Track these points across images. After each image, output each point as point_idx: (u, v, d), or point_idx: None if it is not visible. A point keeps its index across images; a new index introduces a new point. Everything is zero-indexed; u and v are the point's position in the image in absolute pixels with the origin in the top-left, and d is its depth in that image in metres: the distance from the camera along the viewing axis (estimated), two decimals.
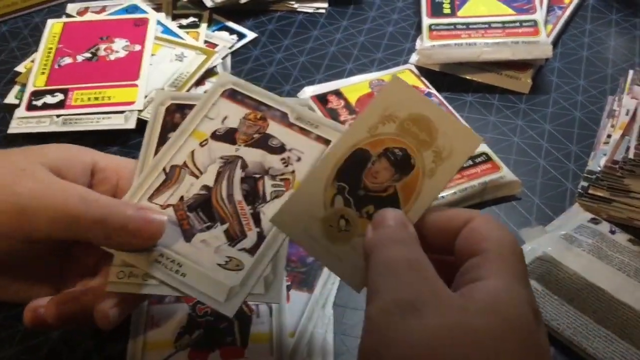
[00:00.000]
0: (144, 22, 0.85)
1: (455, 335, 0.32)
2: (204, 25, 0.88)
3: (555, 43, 0.83)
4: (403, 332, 0.33)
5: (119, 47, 0.81)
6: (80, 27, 0.85)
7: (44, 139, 0.73)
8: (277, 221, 0.42)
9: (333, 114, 0.73)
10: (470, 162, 0.66)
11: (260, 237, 0.46)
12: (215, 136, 0.49)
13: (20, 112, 0.73)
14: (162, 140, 0.49)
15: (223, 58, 0.83)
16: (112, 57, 0.80)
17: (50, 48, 0.81)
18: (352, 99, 0.75)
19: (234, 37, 0.87)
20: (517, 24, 0.79)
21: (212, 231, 0.47)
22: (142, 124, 0.73)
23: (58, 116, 0.73)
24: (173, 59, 0.81)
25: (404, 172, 0.41)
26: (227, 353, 0.53)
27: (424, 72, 0.79)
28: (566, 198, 0.66)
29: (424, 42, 0.79)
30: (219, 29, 0.88)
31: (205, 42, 0.85)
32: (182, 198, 0.48)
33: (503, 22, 0.79)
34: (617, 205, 0.62)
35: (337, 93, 0.76)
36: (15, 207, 0.42)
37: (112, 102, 0.74)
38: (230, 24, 0.89)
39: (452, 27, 0.80)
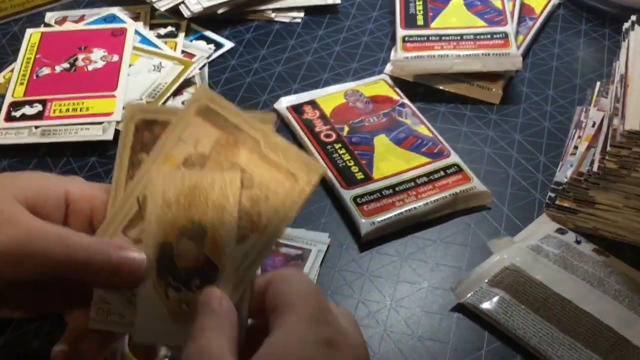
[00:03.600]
0: (122, 32, 0.86)
1: None
2: (181, 35, 0.89)
3: (525, 53, 0.85)
4: None
5: (97, 58, 0.82)
6: (59, 37, 0.86)
7: (22, 150, 0.74)
8: (142, 337, 0.44)
9: (309, 125, 0.74)
10: (442, 173, 0.68)
11: (224, 289, 0.44)
12: (186, 163, 0.45)
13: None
14: (132, 162, 0.46)
15: (201, 68, 0.84)
16: (90, 67, 0.81)
17: (29, 58, 0.82)
18: (328, 109, 0.76)
19: (212, 46, 0.88)
20: (488, 36, 0.81)
21: None
22: (119, 135, 0.74)
23: (37, 127, 0.74)
24: (151, 70, 0.82)
25: (200, 239, 0.43)
26: None
27: (398, 82, 0.81)
28: (535, 208, 0.67)
29: (397, 54, 0.81)
30: (197, 39, 0.89)
31: (183, 52, 0.86)
32: None
33: (475, 34, 0.81)
34: (582, 215, 0.64)
35: (313, 103, 0.77)
36: None
37: (91, 112, 0.75)
38: (208, 34, 0.90)
39: (425, 38, 0.81)
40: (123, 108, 0.75)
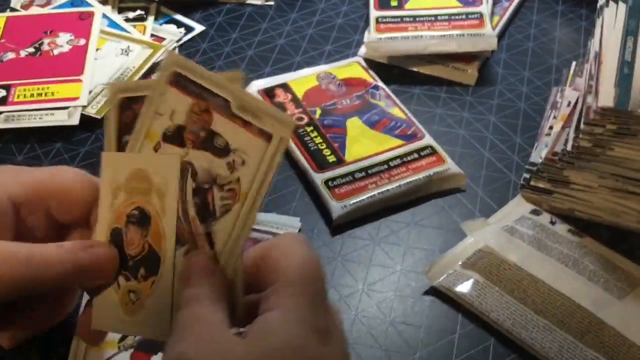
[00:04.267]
0: (89, 15, 0.84)
1: None
2: (151, 19, 0.87)
3: (501, 34, 0.84)
4: None
5: (63, 42, 0.80)
6: (24, 21, 0.84)
7: None
8: (98, 325, 0.44)
9: (280, 108, 0.73)
10: (416, 155, 0.67)
11: (215, 260, 0.41)
12: (165, 138, 0.43)
13: None
14: (119, 146, 0.45)
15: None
16: (56, 51, 0.79)
17: None
18: (300, 92, 0.75)
19: (182, 30, 0.86)
20: (463, 16, 0.79)
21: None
22: (85, 120, 0.72)
23: (0, 113, 0.72)
24: (119, 54, 0.80)
25: (144, 226, 0.42)
26: None
27: (372, 64, 0.80)
28: (509, 190, 0.67)
29: (371, 35, 0.79)
30: (167, 22, 0.87)
31: (152, 35, 0.84)
32: None
33: (449, 15, 0.80)
34: (557, 196, 0.63)
35: (285, 87, 0.76)
36: None
37: (56, 97, 0.73)
38: (178, 17, 0.88)
39: (399, 19, 0.80)
40: (89, 92, 0.74)
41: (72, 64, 0.77)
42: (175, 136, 0.43)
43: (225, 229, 0.40)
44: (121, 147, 0.44)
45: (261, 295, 0.38)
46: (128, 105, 0.45)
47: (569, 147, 0.59)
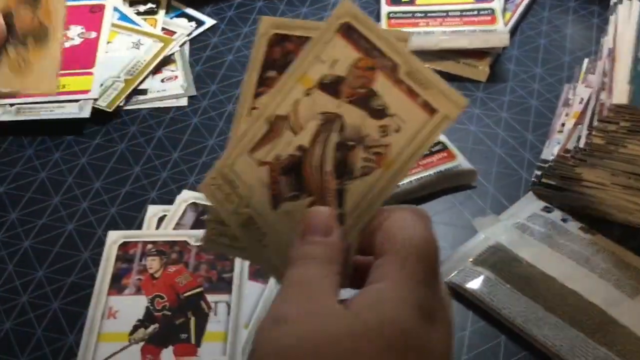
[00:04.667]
0: (100, 9, 0.84)
1: (318, 341, 0.33)
2: (161, 12, 0.87)
3: (513, 31, 0.84)
4: (270, 342, 0.34)
5: (74, 35, 0.80)
6: None
7: None
8: None
9: None
10: (427, 151, 0.67)
11: (340, 219, 0.40)
12: (321, 85, 0.41)
13: None
14: (262, 79, 0.43)
15: (181, 45, 0.82)
16: (67, 44, 0.79)
17: None
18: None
19: (193, 24, 0.86)
20: (475, 12, 0.79)
21: (297, 202, 0.41)
22: (96, 113, 0.72)
23: (11, 105, 0.72)
24: (130, 47, 0.80)
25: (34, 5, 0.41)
26: (180, 350, 0.53)
27: None
28: (521, 187, 0.66)
29: None
30: (177, 16, 0.87)
31: (163, 29, 0.84)
32: (277, 157, 0.42)
33: (461, 11, 0.80)
34: (569, 193, 0.63)
35: None
36: None
37: (67, 90, 0.73)
38: (189, 11, 0.88)
39: (411, 15, 0.80)
40: (100, 85, 0.74)
41: (83, 57, 0.77)
42: (332, 85, 0.41)
43: (360, 190, 0.39)
44: (263, 80, 0.43)
45: (373, 263, 0.36)
46: (278, 41, 0.44)
47: (581, 144, 0.59)
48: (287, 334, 0.33)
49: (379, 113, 0.40)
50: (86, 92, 0.73)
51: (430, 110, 0.38)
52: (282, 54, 0.43)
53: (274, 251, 0.41)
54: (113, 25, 0.83)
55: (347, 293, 0.35)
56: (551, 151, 0.64)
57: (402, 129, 0.39)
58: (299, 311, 0.34)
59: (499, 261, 0.57)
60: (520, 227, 0.60)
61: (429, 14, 0.80)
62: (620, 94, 0.55)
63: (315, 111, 0.41)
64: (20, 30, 0.41)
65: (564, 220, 0.61)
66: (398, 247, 0.36)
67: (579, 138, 0.60)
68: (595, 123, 0.57)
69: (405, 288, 0.35)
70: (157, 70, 0.78)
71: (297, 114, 0.42)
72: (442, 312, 0.35)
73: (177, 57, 0.81)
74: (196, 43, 0.84)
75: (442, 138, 0.68)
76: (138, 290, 0.57)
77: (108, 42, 0.80)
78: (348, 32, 0.41)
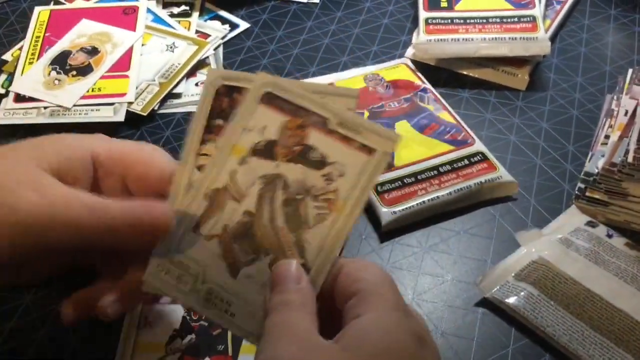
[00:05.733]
0: (133, 10, 0.84)
1: None
2: (195, 14, 0.86)
3: (553, 38, 0.83)
4: None
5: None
6: (68, 15, 0.84)
7: (31, 131, 0.72)
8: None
9: None
10: (466, 162, 0.66)
11: (305, 269, 0.41)
12: (255, 151, 0.44)
13: (8, 103, 0.72)
14: (208, 127, 0.45)
15: (215, 49, 0.82)
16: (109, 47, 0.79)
17: (38, 36, 0.80)
18: None
19: (227, 27, 0.85)
20: (515, 19, 0.78)
21: (257, 264, 0.43)
22: (131, 117, 0.72)
23: (45, 108, 0.72)
24: (164, 49, 0.79)
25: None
26: None
27: (420, 66, 0.79)
28: (563, 199, 0.65)
29: (420, 36, 0.78)
30: (211, 19, 0.87)
31: (197, 31, 0.84)
32: (225, 227, 0.44)
33: (501, 17, 0.78)
34: (614, 208, 0.61)
35: None
36: (17, 227, 0.40)
37: (103, 93, 0.73)
38: (223, 13, 0.88)
39: (449, 21, 0.79)
40: (136, 88, 0.73)
41: (119, 60, 0.77)
42: (266, 150, 0.44)
43: (319, 237, 0.41)
44: (210, 129, 0.45)
45: (344, 306, 0.39)
46: (226, 92, 0.45)
47: (629, 159, 0.58)
48: None
49: (319, 164, 0.43)
50: (122, 95, 0.73)
51: (368, 150, 0.42)
52: (229, 104, 0.45)
53: (244, 316, 0.42)
54: (147, 27, 0.82)
55: None
56: (595, 164, 0.63)
57: (345, 173, 0.42)
58: (290, 351, 0.35)
59: (542, 277, 0.56)
60: (564, 242, 0.59)
61: (468, 20, 0.78)
62: None
63: (255, 176, 0.44)
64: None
65: (609, 235, 0.60)
66: (368, 284, 0.39)
67: (626, 152, 0.59)
68: None
69: (389, 315, 0.37)
70: (191, 73, 0.78)
71: (236, 183, 0.44)
72: (429, 335, 0.39)
73: (211, 60, 0.80)
74: (230, 46, 0.83)
75: (482, 148, 0.67)
76: (174, 300, 0.56)
77: (142, 45, 0.79)
78: (270, 100, 0.44)
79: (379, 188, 0.64)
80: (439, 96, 0.74)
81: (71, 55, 0.77)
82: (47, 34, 0.80)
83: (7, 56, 0.80)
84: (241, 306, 0.42)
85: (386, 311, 0.37)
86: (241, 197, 0.43)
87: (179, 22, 0.85)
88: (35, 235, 0.40)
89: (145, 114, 0.72)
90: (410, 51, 0.81)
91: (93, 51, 0.78)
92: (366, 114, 0.71)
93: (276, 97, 0.44)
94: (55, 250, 0.42)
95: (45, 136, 0.47)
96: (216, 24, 0.86)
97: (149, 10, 0.85)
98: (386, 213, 0.62)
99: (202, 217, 0.44)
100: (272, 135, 0.44)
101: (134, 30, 0.81)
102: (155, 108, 0.74)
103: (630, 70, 0.72)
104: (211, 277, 0.43)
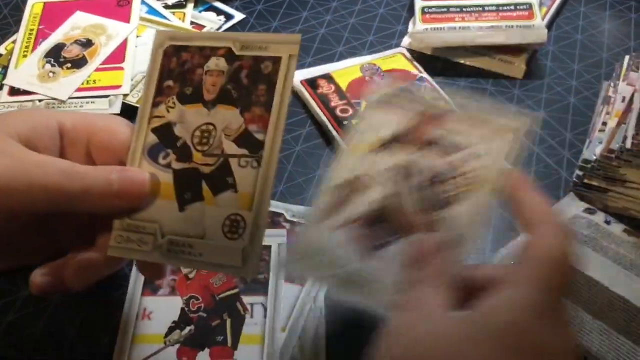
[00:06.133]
0: (127, 2, 0.84)
1: (430, 344, 0.35)
2: (190, 6, 0.86)
3: (549, 26, 0.83)
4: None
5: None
6: (62, 7, 0.83)
7: None
8: None
9: (324, 99, 0.72)
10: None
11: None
12: (384, 146, 0.48)
13: (2, 96, 0.72)
14: (159, 89, 0.46)
15: None
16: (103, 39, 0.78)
17: (32, 29, 0.80)
18: (343, 83, 0.74)
19: (222, 18, 0.85)
20: (512, 7, 0.78)
21: (396, 245, 0.45)
22: (126, 108, 0.72)
23: (40, 101, 0.72)
24: None
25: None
26: (217, 353, 0.53)
27: (416, 55, 0.79)
28: (561, 187, 0.65)
29: (416, 25, 0.78)
30: (206, 9, 0.86)
31: (192, 23, 0.84)
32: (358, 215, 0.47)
33: (497, 5, 0.78)
34: (612, 195, 0.61)
35: (328, 77, 0.75)
36: None
37: (98, 86, 0.73)
38: (218, 4, 0.87)
39: (446, 9, 0.79)
40: (131, 79, 0.73)
41: (113, 52, 0.76)
42: (390, 144, 0.47)
43: (461, 214, 0.43)
44: (160, 90, 0.46)
45: (498, 273, 0.39)
46: (174, 52, 0.46)
47: (628, 145, 0.58)
48: (398, 343, 0.36)
49: (453, 149, 0.45)
50: (117, 87, 0.72)
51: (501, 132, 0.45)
52: (177, 64, 0.46)
53: (381, 293, 0.43)
54: (141, 18, 0.82)
55: None
56: (593, 151, 0.63)
57: (481, 156, 0.44)
58: (410, 324, 0.37)
59: None
60: None
61: (464, 9, 0.78)
62: None
63: (385, 165, 0.46)
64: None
65: (607, 222, 0.60)
66: (527, 258, 0.38)
67: (624, 138, 0.59)
68: None
69: (530, 295, 0.36)
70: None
71: (369, 172, 0.47)
72: (562, 317, 0.37)
73: None
74: None
75: None
76: (172, 291, 0.56)
77: (137, 36, 0.79)
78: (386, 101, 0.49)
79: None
80: (435, 85, 0.74)
81: (65, 48, 0.77)
82: (40, 27, 0.80)
83: (1, 49, 0.80)
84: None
85: (524, 285, 0.36)
86: (373, 185, 0.46)
87: (173, 13, 0.84)
88: (14, 199, 0.41)
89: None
90: (406, 40, 0.81)
91: (87, 43, 0.77)
92: (364, 103, 0.71)
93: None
94: (34, 215, 0.43)
95: (11, 111, 0.48)
96: (211, 15, 0.86)
97: (143, 2, 0.85)
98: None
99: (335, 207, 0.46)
100: (400, 130, 0.47)
101: (129, 21, 0.80)
102: None
103: (627, 57, 0.72)
104: (346, 268, 0.44)
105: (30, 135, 0.44)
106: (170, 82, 0.45)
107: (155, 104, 0.45)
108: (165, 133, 0.45)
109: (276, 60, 0.43)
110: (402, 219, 0.44)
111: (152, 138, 0.45)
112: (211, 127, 0.44)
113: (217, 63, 0.45)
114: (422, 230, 0.43)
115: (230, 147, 0.43)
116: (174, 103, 0.45)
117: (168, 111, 0.45)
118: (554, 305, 0.36)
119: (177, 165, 0.44)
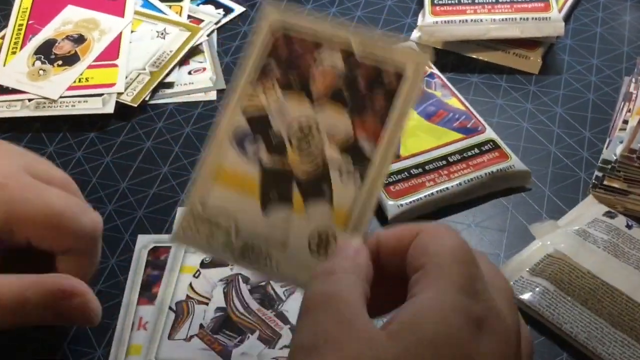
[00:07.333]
0: None
1: None
2: None
3: (567, 19, 0.82)
4: None
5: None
6: (52, 1, 0.83)
7: (15, 124, 0.72)
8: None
9: None
10: (477, 151, 0.66)
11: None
12: (203, 265, 0.55)
13: None
14: (260, 69, 0.43)
15: (209, 35, 0.81)
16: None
17: (21, 24, 0.80)
18: None
19: (221, 11, 0.85)
20: None
21: (247, 342, 0.51)
22: (120, 108, 0.72)
23: (30, 100, 0.72)
24: (154, 36, 0.79)
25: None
26: None
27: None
28: (579, 189, 0.65)
29: (426, 18, 0.78)
30: (204, 3, 0.86)
31: (189, 17, 0.84)
32: (201, 326, 0.52)
33: None
34: (634, 197, 0.61)
35: None
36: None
37: (91, 84, 0.73)
38: None
39: (457, 1, 0.79)
40: (126, 77, 0.73)
41: (107, 48, 0.77)
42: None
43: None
44: (260, 70, 0.43)
45: (409, 280, 0.37)
46: (282, 32, 0.43)
47: None
48: None
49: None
50: (111, 85, 0.72)
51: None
52: (285, 45, 0.43)
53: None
54: (136, 12, 0.82)
55: None
56: (613, 151, 0.63)
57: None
58: (333, 337, 0.34)
59: (558, 271, 0.56)
60: (581, 233, 0.59)
61: (476, 1, 0.78)
62: None
63: (213, 282, 0.53)
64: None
65: (628, 226, 0.60)
66: (434, 257, 0.36)
67: None
68: None
69: (452, 300, 0.34)
70: (183, 61, 0.78)
71: (197, 291, 0.54)
72: (495, 318, 0.35)
73: (204, 47, 0.80)
74: (225, 32, 0.83)
75: (493, 136, 0.67)
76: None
77: (132, 31, 0.79)
78: None
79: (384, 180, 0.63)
80: (446, 81, 0.74)
81: (56, 44, 0.77)
82: (30, 22, 0.80)
83: None
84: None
85: (447, 292, 0.35)
86: (208, 300, 0.52)
87: (169, 7, 0.84)
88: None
89: (135, 105, 0.72)
90: (415, 34, 0.81)
91: (79, 39, 0.78)
92: None
93: None
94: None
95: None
96: (209, 8, 0.86)
97: None
98: (392, 206, 0.62)
99: (173, 327, 0.53)
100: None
101: (123, 16, 0.81)
102: (147, 98, 0.73)
103: None
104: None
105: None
106: (273, 64, 0.43)
107: (251, 84, 0.43)
108: (258, 120, 0.42)
109: (400, 71, 0.40)
110: (246, 320, 0.49)
111: (242, 122, 0.43)
112: (313, 125, 0.42)
113: (332, 59, 0.42)
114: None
115: (333, 154, 0.41)
116: (274, 88, 0.43)
117: (266, 95, 0.43)
118: (479, 308, 0.35)
119: (267, 159, 0.42)
